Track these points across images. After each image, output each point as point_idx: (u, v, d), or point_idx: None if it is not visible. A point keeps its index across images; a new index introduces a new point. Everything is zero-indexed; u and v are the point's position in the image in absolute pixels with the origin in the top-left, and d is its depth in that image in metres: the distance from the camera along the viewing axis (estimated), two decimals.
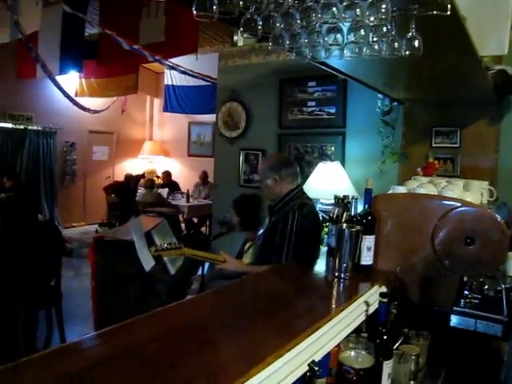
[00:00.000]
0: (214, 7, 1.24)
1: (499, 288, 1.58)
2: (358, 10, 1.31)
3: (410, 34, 1.44)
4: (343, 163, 4.42)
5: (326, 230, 2.73)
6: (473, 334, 1.46)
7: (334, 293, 1.60)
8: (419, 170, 3.01)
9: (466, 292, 1.59)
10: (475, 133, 3.40)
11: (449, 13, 1.28)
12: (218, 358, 1.02)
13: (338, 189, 3.60)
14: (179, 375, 0.88)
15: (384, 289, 1.61)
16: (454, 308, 1.50)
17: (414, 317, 1.61)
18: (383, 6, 1.26)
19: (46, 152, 9.03)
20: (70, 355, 0.98)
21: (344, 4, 1.31)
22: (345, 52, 1.65)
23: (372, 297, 1.52)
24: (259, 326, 1.20)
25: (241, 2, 1.29)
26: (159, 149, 11.54)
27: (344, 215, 1.81)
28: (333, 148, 4.67)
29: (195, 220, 8.66)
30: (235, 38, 5.68)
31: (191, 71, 7.52)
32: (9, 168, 8.11)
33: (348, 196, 1.87)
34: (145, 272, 2.62)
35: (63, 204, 9.50)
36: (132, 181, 9.77)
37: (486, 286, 1.62)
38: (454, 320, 1.49)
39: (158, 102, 11.56)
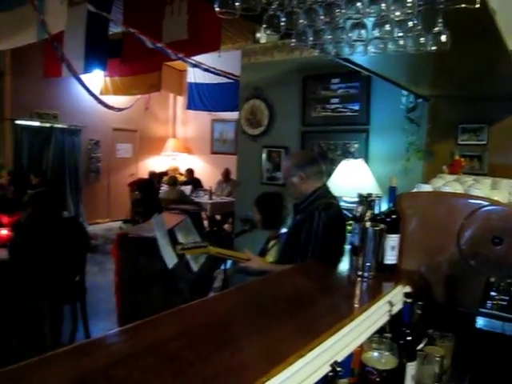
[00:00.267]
0: (237, 4, 1.24)
1: None
2: (383, 5, 1.28)
3: (436, 28, 1.40)
4: (367, 161, 4.36)
5: (349, 228, 2.70)
6: (500, 336, 1.42)
7: (357, 292, 1.58)
8: (445, 167, 2.94)
9: (492, 293, 1.54)
10: (504, 129, 3.32)
11: (478, 6, 1.25)
12: (240, 356, 1.01)
13: (361, 187, 3.55)
14: (201, 373, 0.88)
15: (408, 289, 1.58)
16: (481, 309, 1.46)
17: (439, 318, 1.57)
18: (409, 0, 1.23)
19: (71, 149, 9.21)
20: (94, 351, 0.99)
21: None
22: (369, 48, 1.62)
23: (396, 297, 1.49)
24: (281, 325, 1.19)
25: None
26: (182, 146, 11.62)
27: (368, 213, 1.79)
28: (356, 145, 4.63)
29: (218, 217, 8.68)
30: (257, 35, 5.67)
31: (214, 69, 7.55)
32: (36, 165, 8.31)
33: (372, 194, 1.84)
34: (168, 269, 2.63)
35: (88, 201, 9.66)
36: (155, 178, 9.87)
37: None
38: (480, 322, 1.45)
39: (181, 100, 11.64)
